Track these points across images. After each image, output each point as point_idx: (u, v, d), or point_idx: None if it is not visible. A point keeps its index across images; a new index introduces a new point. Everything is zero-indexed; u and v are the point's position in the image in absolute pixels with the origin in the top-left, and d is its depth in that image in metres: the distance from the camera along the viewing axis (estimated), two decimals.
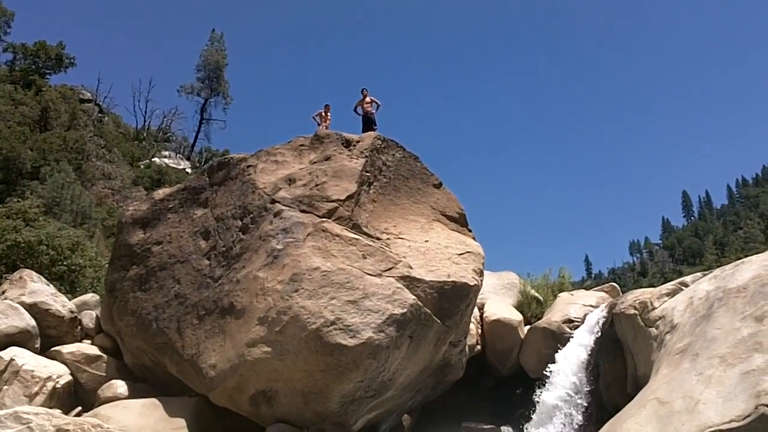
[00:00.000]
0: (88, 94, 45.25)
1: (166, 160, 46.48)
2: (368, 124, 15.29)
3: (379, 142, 12.36)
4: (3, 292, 12.68)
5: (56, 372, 11.26)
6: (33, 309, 12.14)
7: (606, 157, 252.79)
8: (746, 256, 10.00)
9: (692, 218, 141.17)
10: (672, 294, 10.29)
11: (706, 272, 10.42)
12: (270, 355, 9.41)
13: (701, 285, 9.53)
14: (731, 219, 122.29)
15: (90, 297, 14.08)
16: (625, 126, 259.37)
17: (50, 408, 9.84)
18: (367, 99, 15.67)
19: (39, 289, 12.74)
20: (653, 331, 9.82)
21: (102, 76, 72.15)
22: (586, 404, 10.82)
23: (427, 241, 11.27)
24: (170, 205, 12.63)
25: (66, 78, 42.79)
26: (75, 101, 39.26)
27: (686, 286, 10.31)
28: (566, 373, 11.43)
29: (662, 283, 11.65)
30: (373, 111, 15.54)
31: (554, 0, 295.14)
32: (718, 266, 10.66)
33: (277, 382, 9.58)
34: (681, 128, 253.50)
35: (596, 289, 15.06)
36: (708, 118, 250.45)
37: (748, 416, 6.41)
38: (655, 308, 10.16)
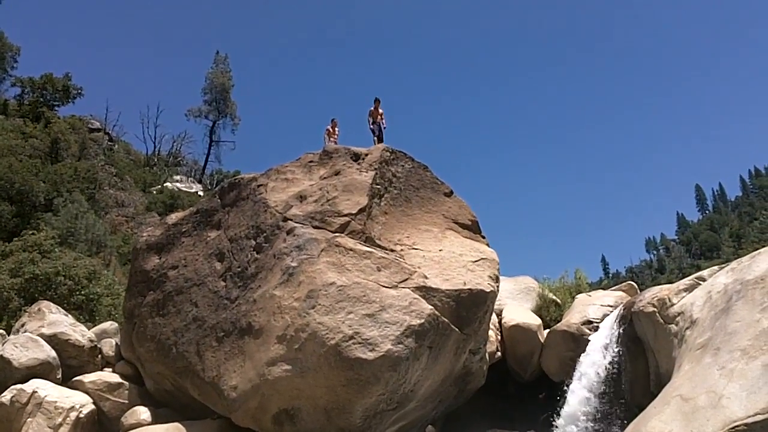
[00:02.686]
0: (97, 123, 45.72)
1: (177, 185, 46.80)
2: (380, 134, 15.48)
3: (388, 153, 12.39)
4: (22, 325, 12.79)
5: (79, 402, 11.32)
6: (53, 340, 12.24)
7: (616, 155, 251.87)
8: (763, 246, 9.91)
9: (707, 212, 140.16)
10: (690, 289, 10.24)
11: (724, 265, 10.35)
12: (291, 373, 9.40)
13: (719, 278, 9.48)
14: (746, 210, 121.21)
15: (109, 325, 14.17)
16: (634, 122, 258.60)
17: None
18: (380, 110, 15.78)
19: (58, 319, 12.84)
20: (673, 327, 9.76)
21: (110, 105, 73.11)
22: (609, 405, 10.75)
23: (441, 250, 11.25)
24: (184, 229, 12.70)
25: (74, 108, 43.27)
26: (84, 131, 39.66)
27: (704, 280, 10.25)
28: (588, 374, 11.36)
29: (680, 279, 11.57)
30: (384, 124, 15.70)
31: None
32: (736, 258, 10.57)
33: (299, 399, 9.56)
34: (690, 122, 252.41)
35: (614, 288, 14.97)
36: (717, 109, 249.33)
37: None
38: (674, 304, 10.10)
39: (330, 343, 9.21)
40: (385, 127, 15.92)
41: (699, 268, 23.50)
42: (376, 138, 15.63)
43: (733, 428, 6.41)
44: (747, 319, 7.81)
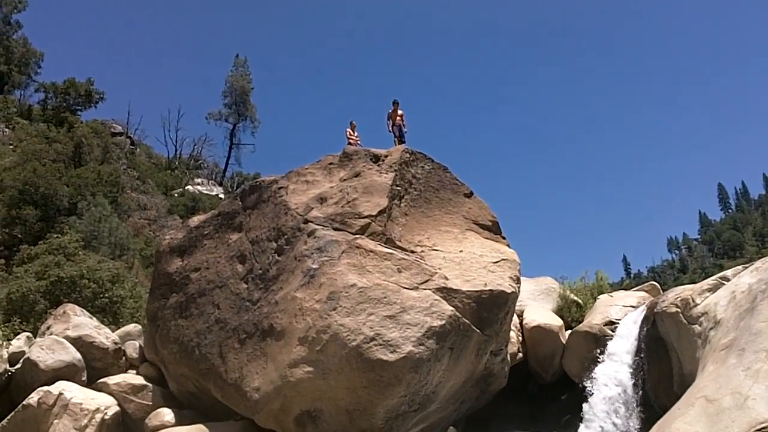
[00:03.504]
0: (120, 128, 46.16)
1: (199, 187, 47.14)
2: (400, 136, 15.47)
3: (408, 155, 12.40)
4: (48, 328, 12.98)
5: (104, 403, 11.46)
6: (78, 342, 12.41)
7: (637, 155, 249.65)
8: None
9: (729, 210, 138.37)
10: (713, 289, 10.13)
11: (747, 265, 10.25)
12: (312, 375, 9.44)
13: (743, 278, 9.38)
14: None
15: (132, 327, 14.33)
16: (656, 122, 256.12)
17: None
18: (399, 111, 15.78)
19: (82, 322, 13.02)
20: (696, 328, 9.67)
21: (132, 109, 73.65)
22: (633, 406, 10.67)
23: (461, 251, 11.24)
24: (206, 232, 12.81)
25: (97, 113, 43.78)
26: (107, 135, 40.05)
27: (727, 280, 10.15)
28: (610, 376, 11.29)
29: (703, 279, 11.46)
30: (403, 125, 15.69)
31: None
32: (759, 258, 10.45)
33: (321, 401, 9.60)
34: (712, 120, 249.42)
35: (636, 288, 14.84)
36: (739, 107, 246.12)
37: None
38: (697, 305, 10.00)
39: (351, 344, 9.24)
40: (406, 131, 15.91)
41: (722, 268, 23.25)
42: (396, 140, 15.64)
43: (758, 430, 6.35)
44: None
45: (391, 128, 15.80)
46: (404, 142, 14.94)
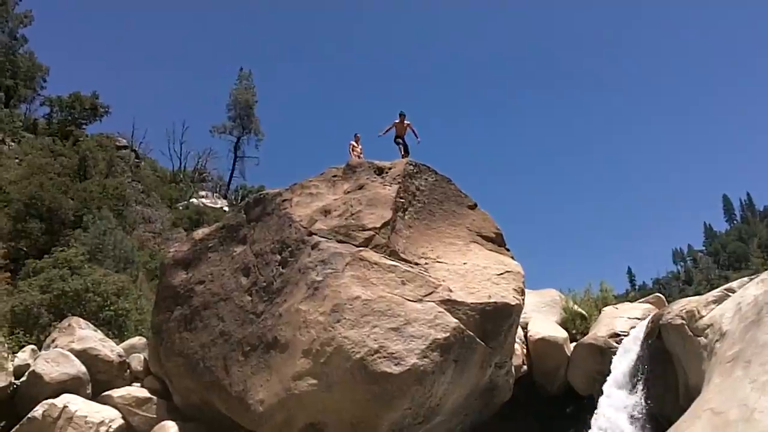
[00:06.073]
0: (124, 141, 46.33)
1: (203, 200, 47.21)
2: (405, 147, 15.44)
3: (411, 167, 12.43)
4: (53, 340, 13.01)
5: (108, 416, 11.48)
6: (83, 355, 12.43)
7: (642, 166, 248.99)
8: None
9: (735, 222, 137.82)
10: (719, 301, 10.09)
11: (753, 276, 10.21)
12: (316, 388, 9.44)
13: (749, 290, 9.34)
14: None
15: (137, 340, 14.35)
16: (660, 133, 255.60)
17: None
18: (406, 122, 15.78)
19: (87, 335, 13.05)
20: (702, 340, 9.62)
21: (136, 122, 73.96)
22: (639, 419, 10.60)
23: (465, 263, 11.24)
24: (210, 244, 12.84)
25: (102, 126, 44.00)
26: (112, 149, 40.25)
27: (733, 292, 10.10)
28: (615, 388, 11.23)
29: (708, 291, 11.41)
30: (414, 133, 15.66)
31: (565, 9, 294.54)
32: (765, 269, 10.42)
33: (325, 414, 9.59)
34: (717, 130, 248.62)
35: (641, 300, 14.77)
36: (743, 118, 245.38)
37: None
38: (703, 317, 9.96)
39: (355, 357, 9.24)
40: (419, 140, 15.83)
41: (727, 280, 23.16)
42: (401, 149, 15.61)
43: None
44: None
45: (395, 140, 15.78)
46: (409, 154, 14.95)
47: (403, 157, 14.56)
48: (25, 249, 24.68)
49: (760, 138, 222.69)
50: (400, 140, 15.79)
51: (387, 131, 15.88)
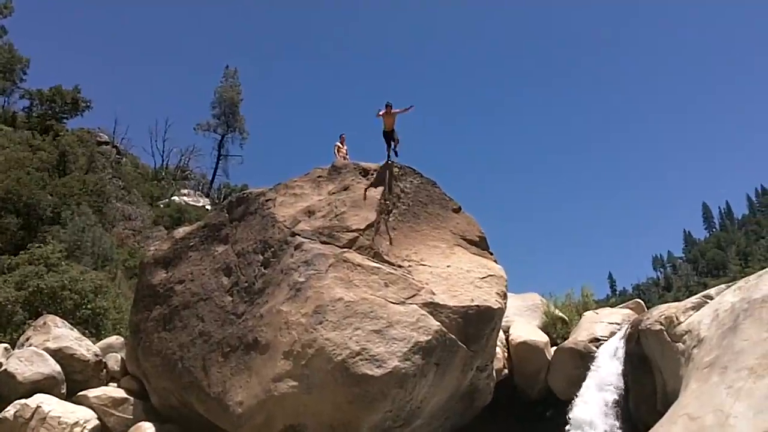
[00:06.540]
0: (106, 137, 45.76)
1: (185, 198, 46.76)
2: (387, 137, 14.82)
3: (396, 169, 12.42)
4: (27, 339, 12.77)
5: (83, 417, 11.30)
6: (58, 354, 12.21)
7: (623, 173, 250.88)
8: None
9: (714, 230, 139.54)
10: (697, 307, 10.19)
11: (731, 284, 10.32)
12: (297, 389, 9.36)
13: (726, 297, 9.44)
14: (753, 228, 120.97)
15: (114, 339, 14.15)
16: (641, 140, 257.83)
17: None
18: (393, 111, 14.92)
19: (63, 334, 12.82)
20: (680, 345, 9.71)
21: (118, 118, 72.93)
22: (616, 423, 10.65)
23: (448, 266, 11.22)
24: (191, 243, 12.70)
25: (83, 121, 43.27)
26: (92, 144, 39.72)
27: (711, 298, 10.21)
28: (594, 393, 11.28)
29: (687, 297, 11.52)
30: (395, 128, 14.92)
31: (562, 8, 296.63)
32: (743, 277, 10.54)
33: (305, 416, 9.52)
34: (697, 139, 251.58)
35: (621, 306, 14.89)
36: (724, 127, 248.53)
37: None
38: (681, 323, 10.05)
39: (337, 359, 9.18)
40: (398, 140, 15.18)
41: (706, 286, 23.40)
42: (388, 150, 15.13)
43: None
44: (754, 337, 7.81)
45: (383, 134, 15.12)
46: (397, 154, 14.71)
47: (389, 156, 14.35)
48: (0, 245, 24.28)
49: (738, 148, 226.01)
50: (389, 136, 15.14)
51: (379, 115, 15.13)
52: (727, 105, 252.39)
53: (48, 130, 37.78)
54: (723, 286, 10.76)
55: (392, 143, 14.02)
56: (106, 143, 44.94)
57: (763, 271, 9.33)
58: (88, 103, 42.22)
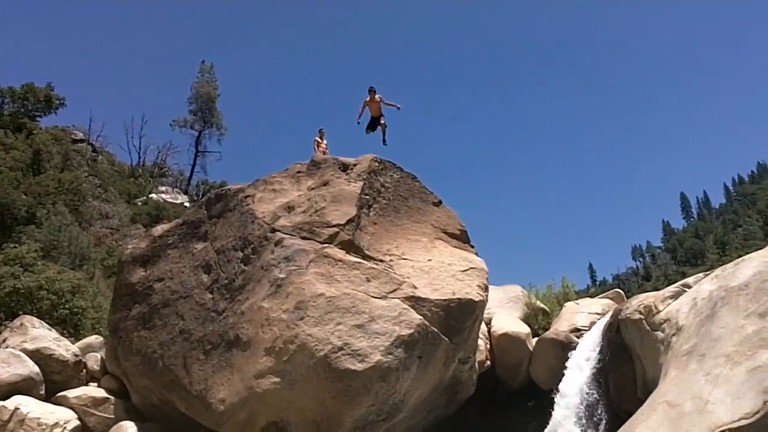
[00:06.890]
0: (81, 134, 45.16)
1: (163, 196, 46.38)
2: (374, 123, 14.73)
3: (376, 163, 12.39)
4: (4, 340, 12.58)
5: (63, 418, 11.17)
6: (36, 355, 12.05)
7: (602, 164, 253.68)
8: (746, 253, 10.04)
9: (692, 219, 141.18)
10: (675, 296, 10.31)
11: (708, 272, 10.45)
12: (279, 386, 9.33)
13: (704, 285, 9.57)
14: (730, 217, 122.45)
15: (94, 339, 14.00)
16: (619, 132, 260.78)
17: None
18: (377, 97, 14.83)
19: (41, 334, 12.65)
20: (659, 334, 9.83)
21: (93, 115, 72.14)
22: (597, 412, 10.76)
23: (430, 260, 11.25)
24: (169, 241, 12.59)
25: (57, 119, 42.63)
26: (67, 142, 39.22)
27: (689, 287, 10.33)
28: (575, 382, 11.38)
29: (666, 286, 11.65)
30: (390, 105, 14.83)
31: (547, 2, 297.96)
32: (720, 266, 10.69)
33: (288, 412, 9.50)
34: (674, 130, 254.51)
35: (601, 296, 15.03)
36: (700, 117, 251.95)
37: (756, 413, 6.57)
38: (660, 311, 10.16)
39: (319, 354, 9.16)
40: (385, 125, 14.87)
41: (684, 275, 23.69)
42: (377, 130, 14.78)
43: None
44: (731, 325, 7.92)
45: (369, 125, 14.96)
46: (385, 142, 14.55)
47: (384, 141, 14.11)
48: None
49: (716, 138, 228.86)
50: (377, 122, 14.85)
51: (362, 113, 15.08)
52: (704, 96, 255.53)
53: (21, 128, 37.19)
54: (701, 274, 10.90)
55: (382, 129, 13.90)
56: (81, 141, 44.37)
57: (740, 259, 9.45)
58: (62, 101, 41.62)
